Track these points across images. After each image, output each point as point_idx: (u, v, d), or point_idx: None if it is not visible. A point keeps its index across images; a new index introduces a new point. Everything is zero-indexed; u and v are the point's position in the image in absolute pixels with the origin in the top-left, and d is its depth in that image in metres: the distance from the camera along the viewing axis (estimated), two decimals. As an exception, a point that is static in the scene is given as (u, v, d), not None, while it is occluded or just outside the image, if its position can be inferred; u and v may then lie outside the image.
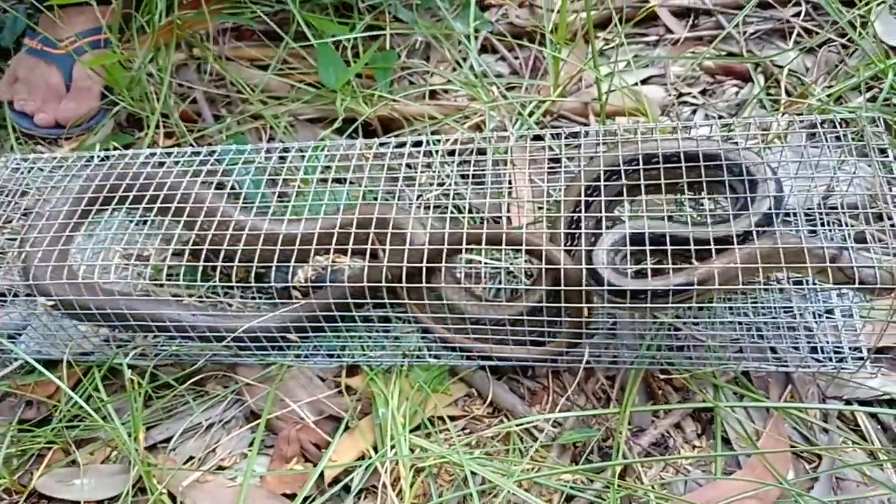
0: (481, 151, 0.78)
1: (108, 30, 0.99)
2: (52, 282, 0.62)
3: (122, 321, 0.65)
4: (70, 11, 1.01)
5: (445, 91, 0.98)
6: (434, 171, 0.78)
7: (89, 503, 0.65)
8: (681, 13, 1.03)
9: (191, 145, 0.93)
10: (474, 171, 0.74)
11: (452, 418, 0.68)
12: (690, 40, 0.99)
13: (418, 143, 0.74)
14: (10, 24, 1.14)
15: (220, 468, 0.66)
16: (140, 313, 0.65)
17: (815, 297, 0.69)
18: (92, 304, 0.64)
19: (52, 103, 1.03)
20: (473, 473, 0.61)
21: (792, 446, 0.65)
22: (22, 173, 0.74)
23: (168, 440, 0.69)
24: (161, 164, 0.72)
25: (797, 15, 0.97)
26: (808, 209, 0.70)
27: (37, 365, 0.63)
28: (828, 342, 0.67)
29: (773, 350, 0.67)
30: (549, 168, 0.77)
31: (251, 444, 0.67)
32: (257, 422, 0.68)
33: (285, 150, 0.75)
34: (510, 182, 0.81)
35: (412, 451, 0.64)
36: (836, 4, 0.92)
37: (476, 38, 1.00)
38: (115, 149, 0.87)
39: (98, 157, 0.75)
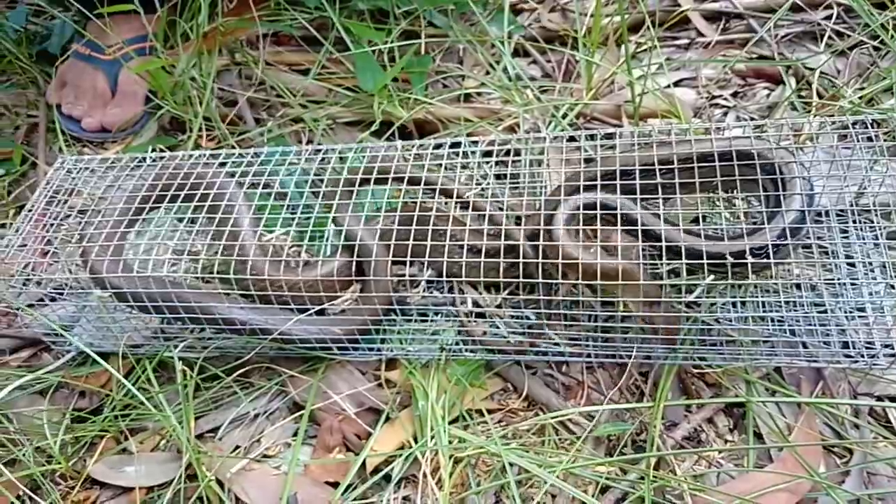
0: (516, 152, 0.80)
1: (153, 37, 1.02)
2: (110, 274, 0.65)
3: (177, 313, 0.68)
4: (117, 19, 1.05)
5: (479, 94, 1.00)
6: (472, 172, 0.80)
7: (141, 489, 0.67)
8: (712, 17, 1.05)
9: (233, 147, 0.96)
10: (511, 171, 0.76)
11: (489, 411, 0.70)
12: (722, 44, 1.01)
13: (456, 145, 0.76)
14: (57, 31, 1.18)
15: (266, 457, 0.69)
16: (208, 307, 0.67)
17: (847, 294, 0.70)
18: (147, 295, 0.66)
19: (98, 108, 1.07)
20: (511, 464, 0.63)
21: (823, 441, 0.66)
22: (77, 174, 0.78)
23: (215, 430, 0.72)
24: (210, 165, 0.75)
25: (828, 18, 0.98)
26: (840, 209, 0.71)
27: (94, 355, 0.66)
28: (859, 339, 0.68)
29: (804, 346, 0.69)
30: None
31: (295, 434, 0.70)
32: (300, 412, 0.70)
33: (329, 151, 0.77)
34: (545, 183, 0.82)
35: (451, 441, 0.66)
36: (867, 7, 0.92)
37: (509, 42, 1.02)
38: (161, 151, 0.91)
39: (150, 158, 0.78)
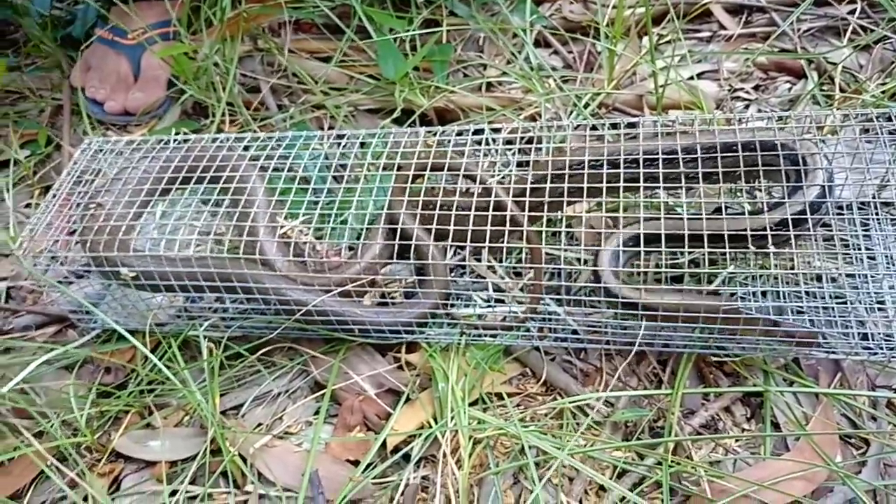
0: (538, 140, 0.81)
1: (176, 22, 1.03)
2: (120, 254, 0.67)
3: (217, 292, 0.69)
4: (141, 4, 1.06)
5: (500, 83, 1.00)
6: (494, 159, 0.81)
7: (165, 463, 0.69)
8: (734, 10, 1.05)
9: (254, 132, 0.97)
10: (533, 159, 0.77)
11: (507, 395, 0.71)
12: (744, 37, 1.01)
13: (479, 132, 0.77)
14: (81, 15, 1.19)
15: (288, 434, 0.70)
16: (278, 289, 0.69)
17: (868, 287, 0.70)
18: (187, 274, 0.68)
19: (122, 92, 1.08)
20: (530, 446, 0.64)
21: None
22: (103, 155, 0.79)
23: (237, 407, 0.73)
24: (235, 149, 0.76)
25: (852, 12, 0.98)
26: (862, 202, 0.72)
27: (122, 331, 0.67)
28: (878, 331, 0.68)
29: (823, 337, 0.69)
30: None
31: (316, 413, 0.71)
32: (322, 392, 0.71)
33: (353, 137, 0.78)
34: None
35: (470, 423, 0.67)
36: (893, 1, 0.93)
37: (530, 31, 1.02)
38: (185, 134, 0.92)
39: (175, 140, 0.79)
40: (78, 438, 0.69)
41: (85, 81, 1.10)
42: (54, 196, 0.75)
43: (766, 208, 0.67)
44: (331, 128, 0.99)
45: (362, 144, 0.78)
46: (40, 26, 1.18)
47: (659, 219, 0.67)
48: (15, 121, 1.07)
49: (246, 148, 0.77)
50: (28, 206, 0.97)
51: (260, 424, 0.71)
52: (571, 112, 0.90)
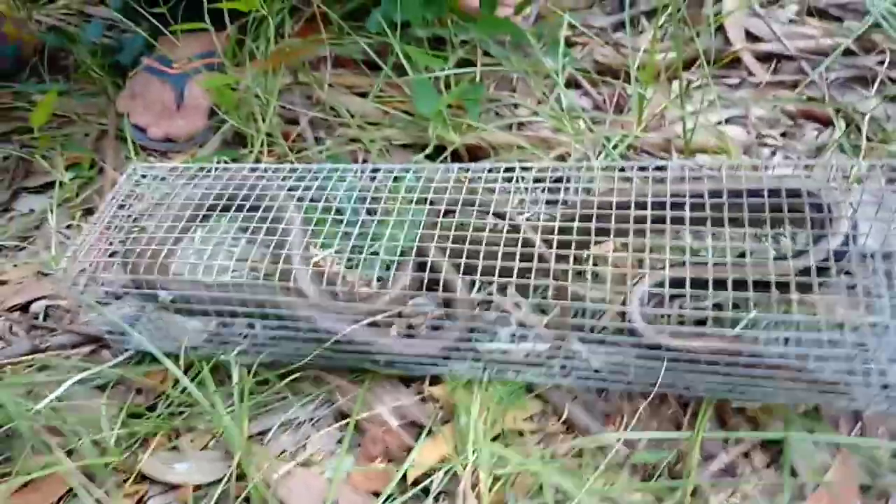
0: (566, 179, 0.82)
1: (220, 54, 1.07)
2: (159, 277, 0.70)
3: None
4: (187, 35, 1.10)
5: (531, 123, 1.02)
6: (523, 197, 0.82)
7: (189, 486, 0.70)
8: (764, 58, 1.06)
9: (291, 163, 1.00)
10: (561, 198, 0.78)
11: (529, 432, 0.72)
12: (772, 84, 1.02)
13: (509, 170, 0.79)
14: (129, 44, 1.24)
15: (311, 462, 0.71)
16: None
17: (890, 337, 0.70)
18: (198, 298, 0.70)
19: (164, 119, 1.12)
20: (549, 484, 0.65)
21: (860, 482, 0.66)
22: (147, 180, 0.82)
23: (263, 433, 0.74)
24: (273, 178, 0.79)
25: (881, 63, 0.99)
26: (886, 252, 0.72)
27: (157, 352, 0.69)
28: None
29: (846, 386, 0.69)
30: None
31: (339, 442, 0.72)
32: (345, 421, 0.73)
33: (387, 171, 0.80)
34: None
35: (491, 458, 0.68)
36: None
37: (562, 73, 1.04)
38: (225, 163, 0.95)
39: (216, 168, 0.82)
40: (106, 458, 0.70)
41: (130, 108, 1.14)
42: (98, 219, 0.78)
43: (790, 255, 0.68)
44: (365, 161, 1.02)
45: (395, 179, 0.80)
46: (90, 53, 1.23)
47: (685, 263, 0.68)
48: (62, 144, 1.11)
49: (284, 178, 0.79)
50: (69, 226, 1.00)
51: (284, 451, 0.72)
52: (600, 153, 0.92)
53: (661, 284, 0.70)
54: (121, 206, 0.79)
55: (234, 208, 0.75)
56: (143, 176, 0.82)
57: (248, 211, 0.74)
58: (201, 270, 0.69)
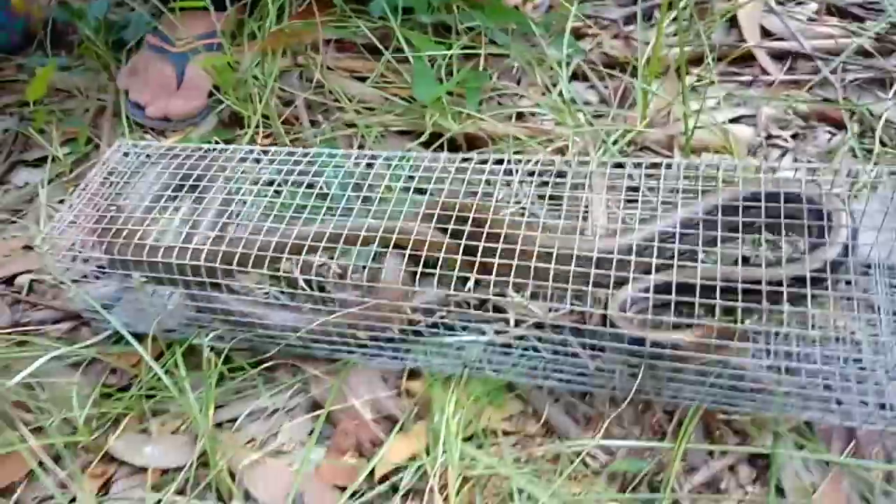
0: (561, 174, 0.80)
1: (221, 34, 1.05)
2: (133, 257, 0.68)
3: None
4: (189, 15, 1.09)
5: (533, 114, 1.00)
6: (513, 190, 0.80)
7: (156, 470, 0.69)
8: (778, 55, 1.02)
9: (286, 146, 0.98)
10: (552, 192, 0.76)
11: (505, 433, 0.69)
12: (786, 83, 0.98)
13: (500, 161, 0.76)
14: (133, 22, 1.23)
15: (280, 452, 0.70)
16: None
17: (890, 353, 0.67)
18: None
19: (163, 97, 1.10)
20: (520, 490, 0.62)
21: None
22: (132, 158, 0.81)
23: (233, 420, 0.73)
24: (256, 161, 0.77)
25: (900, 65, 0.95)
26: (891, 264, 0.69)
27: (129, 336, 0.68)
28: (898, 401, 0.65)
29: (839, 402, 0.66)
30: (627, 197, 0.78)
31: (311, 433, 0.70)
32: (318, 412, 0.71)
33: (373, 157, 0.78)
34: (587, 207, 0.81)
35: (462, 459, 0.65)
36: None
37: (568, 65, 1.01)
38: (217, 142, 0.93)
39: (202, 148, 0.80)
40: (75, 437, 0.69)
41: (130, 85, 1.13)
42: (80, 195, 0.77)
43: (784, 262, 0.65)
44: (360, 146, 1.00)
45: (385, 165, 0.78)
46: (95, 29, 1.22)
47: (672, 267, 0.65)
48: (59, 119, 1.11)
49: (270, 161, 0.77)
50: (61, 202, 0.99)
51: (253, 440, 0.70)
52: (600, 148, 0.89)
53: (648, 290, 0.67)
54: (102, 184, 0.77)
55: (199, 190, 0.74)
56: (126, 154, 0.80)
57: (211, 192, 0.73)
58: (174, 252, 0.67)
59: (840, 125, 0.92)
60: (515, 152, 0.91)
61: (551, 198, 0.76)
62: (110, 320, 0.72)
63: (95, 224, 0.72)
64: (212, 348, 0.71)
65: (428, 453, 0.66)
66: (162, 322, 0.74)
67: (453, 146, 0.96)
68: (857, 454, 0.66)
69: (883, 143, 0.87)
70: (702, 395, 0.67)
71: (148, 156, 0.81)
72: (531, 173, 0.81)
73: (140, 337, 0.72)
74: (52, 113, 1.12)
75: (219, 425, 0.72)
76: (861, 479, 0.64)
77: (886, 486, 0.64)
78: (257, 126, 1.02)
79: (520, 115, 0.99)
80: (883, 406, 0.65)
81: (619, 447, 0.68)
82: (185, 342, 0.74)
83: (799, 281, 0.62)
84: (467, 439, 0.68)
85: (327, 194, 0.74)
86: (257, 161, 0.78)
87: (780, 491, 0.64)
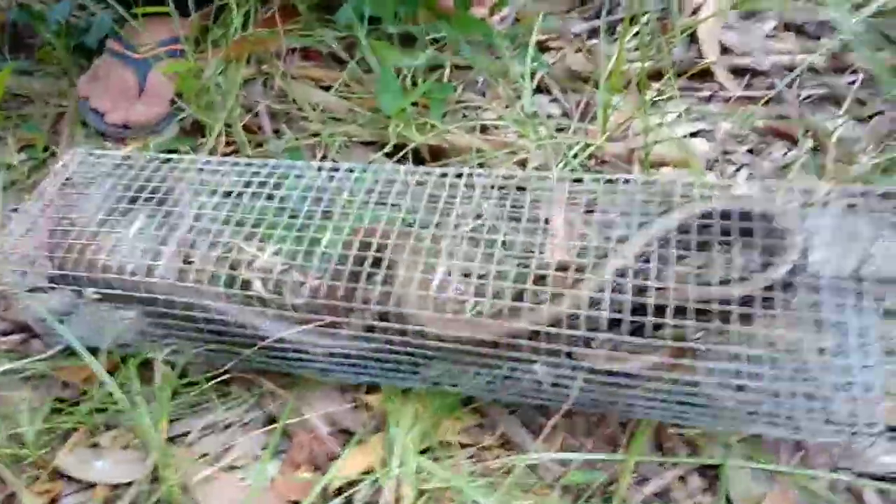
0: (522, 188, 0.80)
1: (185, 40, 1.04)
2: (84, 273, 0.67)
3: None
4: (152, 20, 1.08)
5: (496, 127, 1.00)
6: (473, 203, 0.80)
7: (106, 486, 0.68)
8: (737, 71, 1.04)
9: (248, 156, 0.98)
10: (513, 205, 0.76)
11: (462, 445, 0.70)
12: (743, 99, 1.00)
13: (460, 175, 0.76)
14: (96, 26, 1.22)
15: (233, 467, 0.69)
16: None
17: (836, 367, 0.68)
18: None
19: (124, 104, 1.09)
20: (475, 503, 0.63)
21: (796, 513, 0.64)
22: (87, 167, 0.79)
23: (187, 434, 0.72)
24: (215, 172, 0.76)
25: (852, 83, 0.97)
26: (839, 278, 0.70)
27: (82, 350, 0.67)
28: (844, 413, 0.66)
29: (788, 417, 0.67)
30: (586, 210, 0.78)
31: (265, 447, 0.70)
32: (274, 426, 0.70)
33: (334, 169, 0.78)
34: (546, 220, 0.82)
35: (418, 472, 0.66)
36: (887, 76, 0.92)
37: (532, 78, 1.02)
38: (178, 151, 0.93)
39: (159, 158, 0.79)
40: (21, 452, 0.68)
41: (90, 91, 1.12)
42: (34, 204, 0.76)
43: (735, 279, 0.66)
44: (324, 157, 0.99)
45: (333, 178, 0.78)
46: (55, 33, 1.20)
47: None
48: (17, 125, 1.09)
49: (224, 174, 0.77)
50: (15, 210, 0.97)
51: (207, 454, 0.70)
52: (560, 161, 0.90)
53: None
54: (58, 193, 0.76)
55: (155, 202, 0.73)
56: (82, 162, 0.79)
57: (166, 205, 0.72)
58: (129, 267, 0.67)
59: (795, 141, 0.94)
60: (478, 164, 0.92)
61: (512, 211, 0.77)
62: (64, 334, 0.71)
63: (49, 238, 0.71)
64: (167, 362, 0.71)
65: (384, 466, 0.67)
66: (117, 336, 0.73)
67: (417, 157, 0.96)
68: (805, 464, 0.67)
69: (835, 160, 0.89)
70: (655, 411, 0.67)
71: (108, 164, 0.80)
72: (491, 186, 0.81)
73: (94, 350, 0.71)
74: (8, 118, 1.10)
75: (172, 440, 0.71)
76: (808, 489, 0.66)
77: (831, 496, 0.65)
78: (220, 134, 1.01)
79: (483, 128, 1.00)
80: (829, 422, 0.66)
81: (573, 459, 0.68)
82: (139, 356, 0.73)
83: (750, 299, 0.63)
84: (423, 452, 0.68)
85: (286, 207, 0.74)
86: (216, 172, 0.77)
87: (729, 501, 0.66)
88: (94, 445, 0.71)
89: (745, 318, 0.64)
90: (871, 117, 0.93)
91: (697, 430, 0.68)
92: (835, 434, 0.65)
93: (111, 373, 0.73)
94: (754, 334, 0.68)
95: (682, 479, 0.68)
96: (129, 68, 1.10)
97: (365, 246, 0.67)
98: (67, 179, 0.78)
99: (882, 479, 0.66)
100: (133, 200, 0.75)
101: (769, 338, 0.70)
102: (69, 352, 0.78)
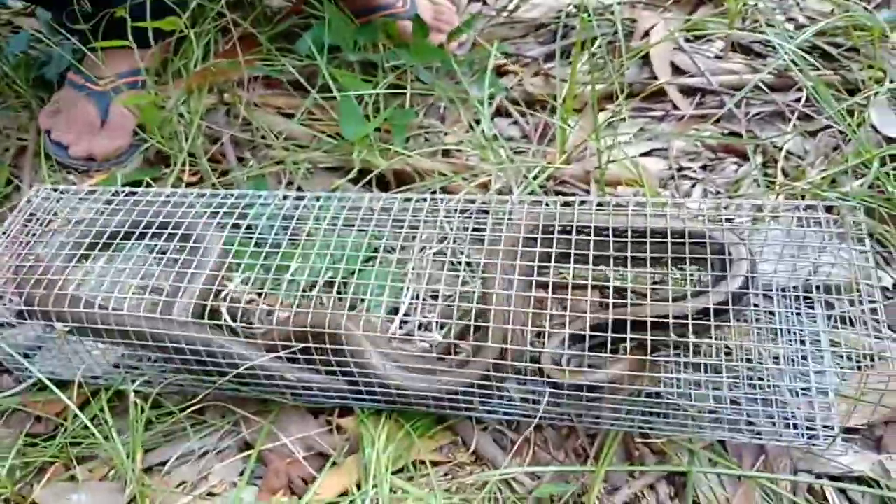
0: (485, 211, 0.82)
1: (145, 72, 1.05)
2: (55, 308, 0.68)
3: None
4: (112, 52, 1.08)
5: (458, 150, 1.02)
6: (438, 226, 0.82)
7: (84, 519, 0.68)
8: (688, 91, 1.08)
9: (213, 185, 0.98)
10: (475, 227, 0.78)
11: (435, 464, 0.71)
12: (695, 117, 1.04)
13: (425, 199, 0.78)
14: (56, 60, 1.21)
15: (211, 494, 0.70)
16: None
17: (792, 373, 0.71)
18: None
19: (87, 136, 1.09)
20: (450, 519, 0.64)
21: (760, 516, 0.67)
22: (52, 203, 0.80)
23: (164, 464, 0.72)
24: (181, 204, 0.77)
25: (798, 100, 1.02)
26: (791, 289, 0.74)
27: (50, 384, 0.67)
28: (802, 417, 0.69)
29: (749, 422, 0.70)
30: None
31: (241, 474, 0.71)
32: (249, 452, 0.71)
33: (299, 197, 0.79)
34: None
35: (393, 492, 0.67)
36: (829, 94, 0.96)
37: (491, 102, 1.05)
38: (142, 183, 0.93)
39: (123, 192, 0.80)
40: (-3, 489, 0.68)
41: (52, 124, 1.11)
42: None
43: (689, 296, 0.69)
44: (289, 183, 1.01)
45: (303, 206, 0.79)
46: (13, 66, 1.20)
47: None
48: (-23, 159, 1.08)
49: (191, 205, 0.78)
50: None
51: (183, 483, 0.70)
52: (521, 183, 0.92)
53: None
54: (22, 229, 0.76)
55: (136, 235, 0.73)
56: (46, 198, 0.79)
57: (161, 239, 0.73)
58: (111, 301, 0.67)
59: (746, 157, 0.98)
60: (441, 188, 0.94)
61: (476, 233, 0.79)
62: (32, 370, 0.71)
63: (14, 273, 0.71)
64: (139, 393, 0.71)
65: (359, 488, 0.68)
66: (87, 369, 0.73)
67: (381, 182, 0.98)
68: (767, 468, 0.70)
69: (785, 174, 0.93)
70: (621, 421, 0.70)
71: (72, 199, 0.80)
72: (455, 210, 0.83)
73: (65, 384, 0.71)
74: (-31, 153, 1.09)
75: (148, 470, 0.71)
76: (770, 491, 0.68)
77: (793, 497, 0.68)
78: (184, 164, 1.02)
79: (446, 152, 1.02)
80: (788, 425, 0.69)
81: (545, 472, 0.70)
82: (110, 388, 0.74)
83: (704, 313, 0.67)
84: (398, 472, 0.69)
85: (253, 235, 0.75)
86: (180, 204, 0.78)
87: (696, 506, 0.68)
88: (71, 478, 0.71)
89: (703, 331, 0.68)
90: (817, 132, 0.98)
91: (664, 438, 0.71)
92: (794, 437, 0.68)
93: (82, 406, 0.73)
94: (712, 345, 0.72)
95: (651, 487, 0.70)
96: (90, 101, 1.10)
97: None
98: (31, 215, 0.79)
99: (840, 479, 0.68)
100: (99, 235, 0.76)
101: (727, 348, 0.73)
102: (40, 386, 0.78)
